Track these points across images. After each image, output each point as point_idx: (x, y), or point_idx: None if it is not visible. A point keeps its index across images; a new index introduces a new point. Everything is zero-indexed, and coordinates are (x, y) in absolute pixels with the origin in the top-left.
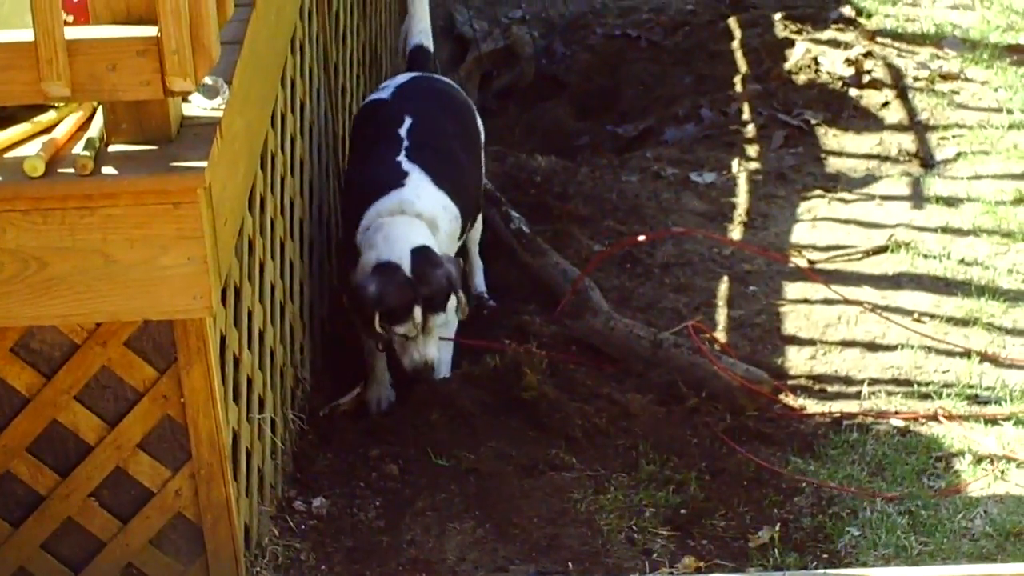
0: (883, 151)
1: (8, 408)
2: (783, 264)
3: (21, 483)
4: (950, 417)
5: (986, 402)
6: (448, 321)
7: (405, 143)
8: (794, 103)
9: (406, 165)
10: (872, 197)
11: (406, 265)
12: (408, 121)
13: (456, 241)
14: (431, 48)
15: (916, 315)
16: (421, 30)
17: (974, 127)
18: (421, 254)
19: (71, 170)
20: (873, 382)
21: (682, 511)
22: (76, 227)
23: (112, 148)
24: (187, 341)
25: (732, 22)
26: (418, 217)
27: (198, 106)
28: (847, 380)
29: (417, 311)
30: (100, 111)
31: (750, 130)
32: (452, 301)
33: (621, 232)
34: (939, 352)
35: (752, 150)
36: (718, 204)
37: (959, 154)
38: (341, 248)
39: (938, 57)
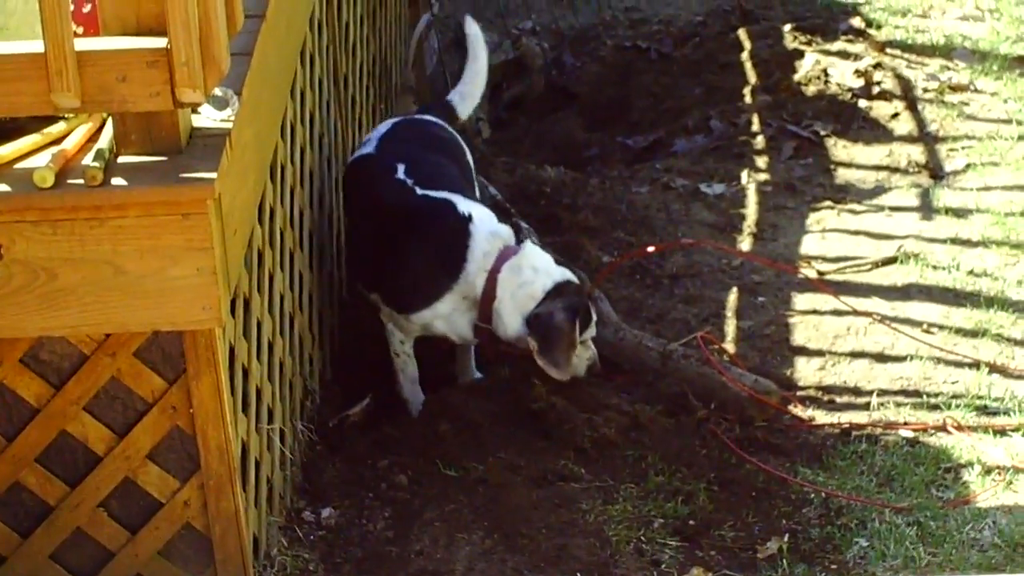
0: (892, 162)
1: (17, 418)
2: (792, 275)
3: (30, 493)
4: (959, 428)
5: (995, 413)
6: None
7: (411, 182)
8: (803, 114)
9: (453, 198)
10: (882, 208)
11: (574, 278)
12: (402, 168)
13: None
14: (457, 109)
15: (925, 326)
16: (461, 92)
17: (984, 138)
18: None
19: (81, 181)
20: (882, 393)
21: (691, 522)
22: (86, 238)
23: (122, 159)
24: (196, 352)
25: (742, 33)
26: (510, 237)
27: (208, 117)
28: (856, 391)
29: (594, 312)
30: (110, 122)
31: (759, 141)
32: None
33: (631, 243)
34: (948, 363)
35: (761, 161)
36: (727, 215)
37: (968, 165)
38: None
39: (948, 68)
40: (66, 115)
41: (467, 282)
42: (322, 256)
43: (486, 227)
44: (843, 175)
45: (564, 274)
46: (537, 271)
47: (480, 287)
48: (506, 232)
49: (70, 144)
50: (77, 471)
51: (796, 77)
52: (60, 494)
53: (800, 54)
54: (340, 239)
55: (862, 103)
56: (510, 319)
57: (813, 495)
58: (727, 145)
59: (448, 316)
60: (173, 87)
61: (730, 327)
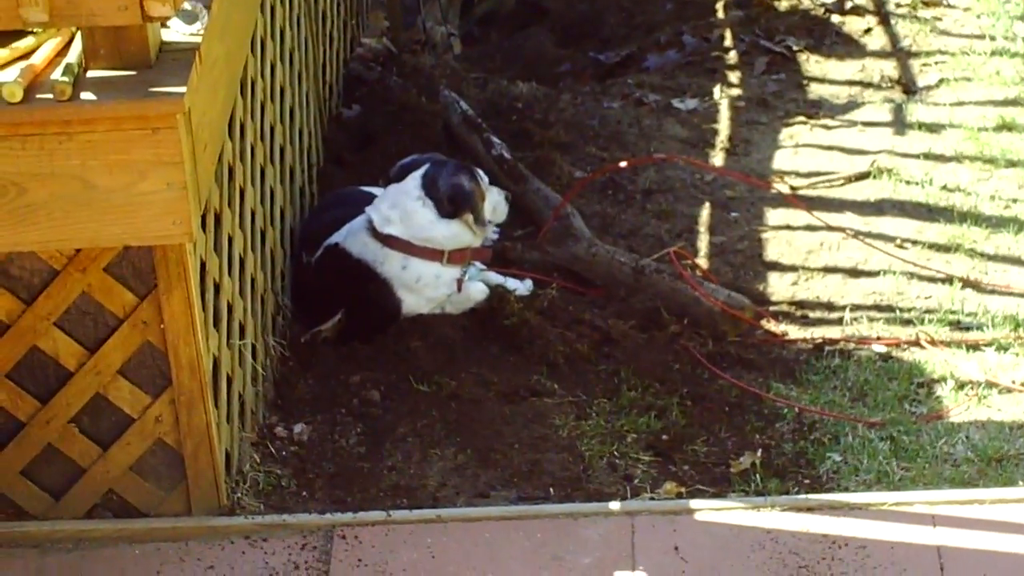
0: (865, 77)
1: None
2: (765, 190)
3: (1, 410)
4: (932, 343)
5: (968, 328)
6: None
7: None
8: (776, 29)
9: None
10: (854, 123)
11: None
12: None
13: None
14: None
15: (898, 241)
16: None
17: (956, 53)
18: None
19: (50, 96)
20: (855, 308)
21: (663, 437)
22: (55, 153)
23: (91, 74)
24: (167, 267)
25: None
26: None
27: (177, 31)
28: (829, 306)
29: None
30: (78, 37)
31: (732, 56)
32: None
33: (603, 158)
34: (921, 278)
35: (734, 76)
36: (700, 130)
37: (941, 80)
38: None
39: None
40: (34, 29)
41: (391, 263)
42: (294, 171)
43: (348, 238)
44: (816, 90)
45: (414, 175)
46: (388, 198)
47: (398, 252)
48: (356, 223)
49: (39, 59)
50: (48, 387)
51: None
52: (31, 410)
53: None
54: (311, 154)
55: (835, 18)
56: (432, 231)
57: (786, 410)
58: (699, 60)
59: (431, 285)
60: (142, 1)
61: (703, 242)
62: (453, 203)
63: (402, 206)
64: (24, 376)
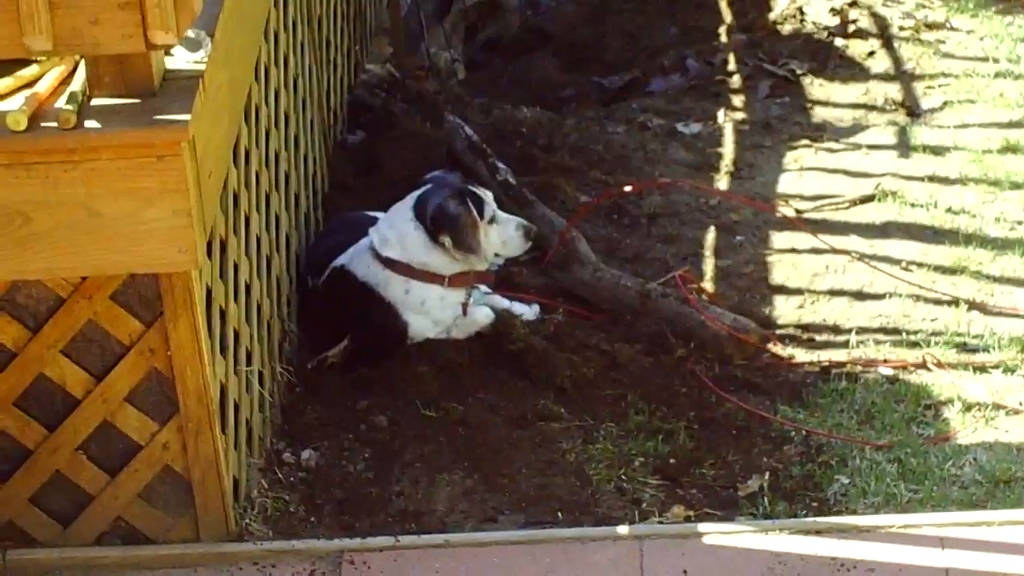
0: (869, 100)
1: None
2: (770, 214)
3: (9, 437)
4: (939, 365)
5: (974, 350)
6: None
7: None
8: (780, 53)
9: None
10: (859, 146)
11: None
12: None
13: None
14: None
15: (904, 264)
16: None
17: (960, 76)
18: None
19: (54, 124)
20: (861, 331)
21: (671, 460)
22: (60, 181)
23: (95, 102)
24: (173, 294)
25: None
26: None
27: (181, 59)
28: (835, 329)
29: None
30: (83, 65)
31: (736, 80)
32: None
33: (608, 183)
34: (927, 300)
35: (738, 100)
36: (704, 154)
37: (945, 103)
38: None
39: (923, 6)
40: (39, 58)
41: (394, 287)
42: (299, 197)
43: (353, 260)
44: (820, 113)
45: (413, 194)
46: (388, 218)
47: (399, 276)
48: (361, 244)
49: (43, 87)
50: (55, 414)
51: (772, 16)
52: (39, 437)
53: None
54: (316, 180)
55: (838, 41)
56: (426, 255)
57: (793, 433)
58: (703, 84)
59: (437, 307)
60: (145, 29)
61: (708, 266)
62: (434, 225)
63: (398, 227)
64: (31, 404)
